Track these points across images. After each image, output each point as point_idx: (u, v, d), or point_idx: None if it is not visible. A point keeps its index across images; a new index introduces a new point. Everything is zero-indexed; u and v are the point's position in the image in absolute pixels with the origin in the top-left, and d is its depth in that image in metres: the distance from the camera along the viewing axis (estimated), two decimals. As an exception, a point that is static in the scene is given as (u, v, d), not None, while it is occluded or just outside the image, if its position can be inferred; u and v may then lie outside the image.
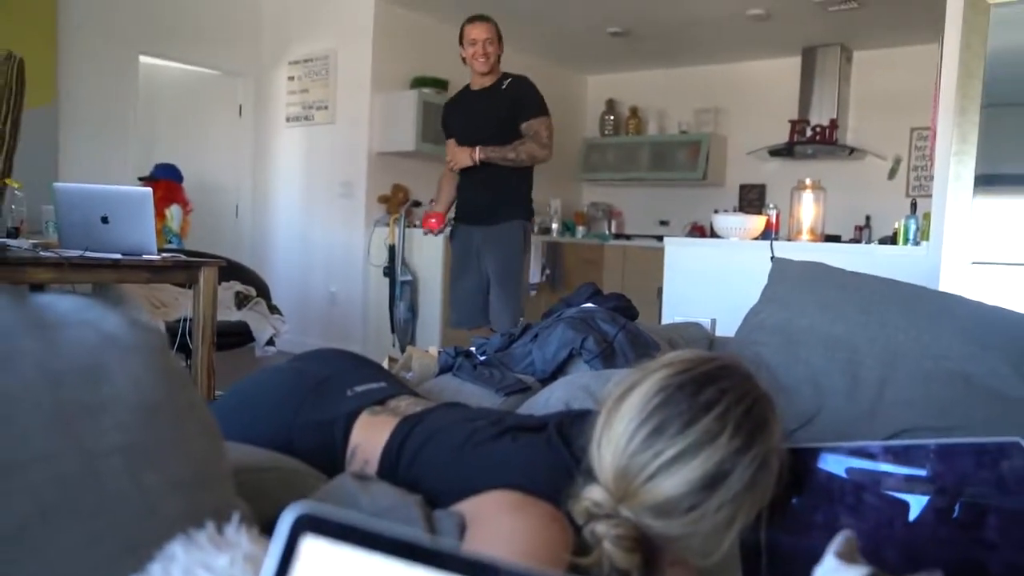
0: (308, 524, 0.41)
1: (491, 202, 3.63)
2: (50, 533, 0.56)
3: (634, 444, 0.87)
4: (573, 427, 1.02)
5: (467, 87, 3.77)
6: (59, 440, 0.58)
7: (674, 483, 0.85)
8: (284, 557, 0.40)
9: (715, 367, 0.92)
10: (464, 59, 3.65)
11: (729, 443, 0.86)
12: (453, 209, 3.89)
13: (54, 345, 0.64)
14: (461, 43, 3.63)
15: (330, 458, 1.11)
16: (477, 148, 3.56)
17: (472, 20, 3.60)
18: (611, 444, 0.89)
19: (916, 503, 0.95)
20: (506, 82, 3.66)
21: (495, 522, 0.89)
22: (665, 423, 0.87)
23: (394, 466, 1.06)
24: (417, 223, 5.48)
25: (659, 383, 0.90)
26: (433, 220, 3.90)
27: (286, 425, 1.16)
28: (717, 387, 0.89)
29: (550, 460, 0.99)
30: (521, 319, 3.62)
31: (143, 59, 5.34)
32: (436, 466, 1.03)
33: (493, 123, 3.60)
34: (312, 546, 0.41)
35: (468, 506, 0.93)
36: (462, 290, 3.77)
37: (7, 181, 3.13)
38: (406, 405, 1.19)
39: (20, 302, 0.68)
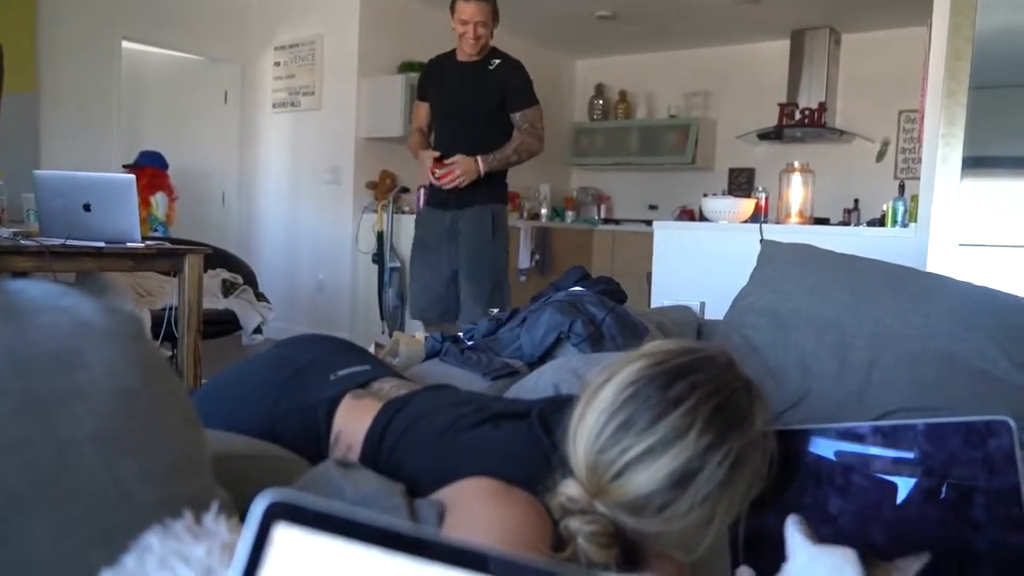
0: (281, 512, 0.39)
1: (466, 185, 3.44)
2: (20, 523, 0.54)
3: (603, 439, 0.85)
4: (556, 414, 1.01)
5: (452, 53, 3.55)
6: (29, 427, 0.57)
7: (642, 481, 0.83)
8: (256, 546, 0.39)
9: (691, 359, 0.89)
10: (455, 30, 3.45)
11: (698, 440, 0.83)
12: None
13: (25, 331, 0.62)
14: (452, 14, 3.41)
15: (314, 444, 1.10)
16: (479, 158, 3.37)
17: None
18: (583, 437, 0.87)
19: (904, 484, 0.94)
20: (495, 62, 3.47)
21: (472, 509, 0.88)
22: (633, 418, 0.84)
23: (376, 451, 1.05)
24: (407, 209, 5.45)
25: (632, 375, 0.87)
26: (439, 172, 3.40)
27: (268, 412, 1.14)
28: (688, 381, 0.86)
29: (530, 448, 0.97)
30: (493, 311, 3.47)
31: (126, 44, 5.26)
32: (417, 452, 1.02)
33: (477, 104, 3.43)
34: (285, 535, 0.39)
35: (446, 493, 0.92)
36: (426, 278, 3.56)
37: (-12, 169, 3.10)
38: (390, 388, 1.18)
39: (-10, 288, 0.66)
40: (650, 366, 0.88)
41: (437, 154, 3.43)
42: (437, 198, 3.56)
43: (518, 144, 3.45)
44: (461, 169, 3.37)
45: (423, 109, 3.61)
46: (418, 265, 3.62)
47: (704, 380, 0.86)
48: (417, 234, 3.67)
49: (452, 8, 3.41)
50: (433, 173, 3.41)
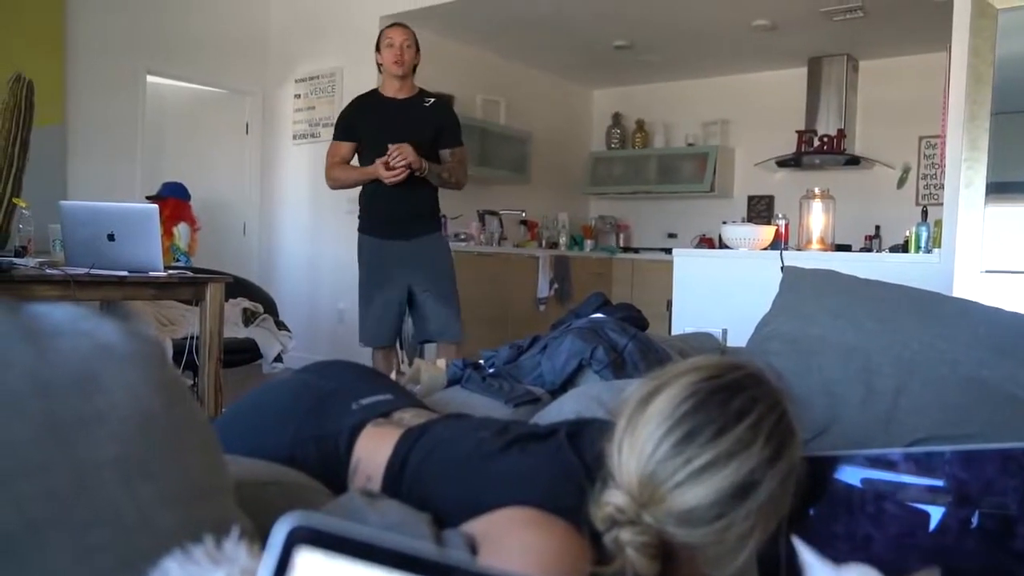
0: (303, 536, 0.38)
1: (413, 215, 3.54)
2: (39, 547, 0.54)
3: (662, 450, 0.85)
4: (586, 435, 0.99)
5: (376, 92, 3.65)
6: (49, 451, 0.56)
7: (702, 491, 0.83)
8: (278, 571, 0.38)
9: (744, 375, 0.90)
10: (379, 65, 3.58)
11: (761, 453, 0.84)
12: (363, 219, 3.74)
13: (47, 354, 0.62)
14: (378, 48, 3.56)
15: (334, 472, 1.09)
16: (422, 161, 3.38)
17: (391, 25, 3.59)
18: (635, 448, 0.86)
19: (936, 512, 0.92)
20: (429, 101, 3.60)
21: (510, 540, 0.86)
22: (696, 430, 0.85)
23: (397, 482, 1.03)
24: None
25: (688, 388, 0.87)
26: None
27: (290, 439, 1.13)
28: (749, 395, 0.87)
29: (561, 470, 0.96)
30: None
31: (150, 78, 5.37)
32: (440, 482, 1.00)
33: (414, 138, 3.42)
34: (308, 559, 0.38)
35: (480, 525, 0.90)
36: (378, 307, 3.60)
37: (15, 201, 3.14)
38: (410, 417, 1.17)
39: (13, 311, 0.66)
40: (705, 379, 0.88)
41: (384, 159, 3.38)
42: (383, 228, 3.59)
43: (451, 168, 3.57)
44: (410, 153, 3.33)
45: (345, 148, 3.62)
46: (373, 291, 3.63)
47: (762, 395, 0.88)
48: (368, 261, 3.69)
49: (378, 44, 3.56)
50: (387, 165, 3.34)
